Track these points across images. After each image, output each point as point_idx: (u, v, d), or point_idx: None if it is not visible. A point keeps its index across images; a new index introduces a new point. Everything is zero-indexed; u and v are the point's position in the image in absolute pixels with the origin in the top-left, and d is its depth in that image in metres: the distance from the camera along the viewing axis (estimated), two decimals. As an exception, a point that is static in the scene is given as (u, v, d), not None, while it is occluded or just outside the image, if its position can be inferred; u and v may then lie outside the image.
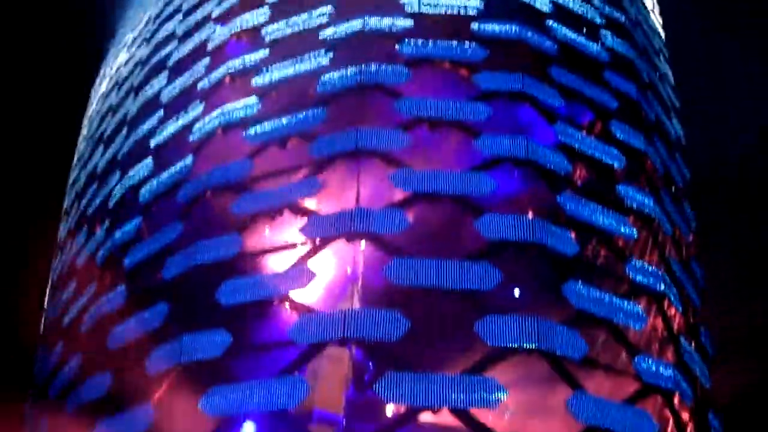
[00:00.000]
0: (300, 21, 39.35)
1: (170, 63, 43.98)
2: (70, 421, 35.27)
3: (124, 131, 43.98)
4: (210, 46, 41.97)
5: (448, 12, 38.37)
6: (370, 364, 33.68)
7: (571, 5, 41.44)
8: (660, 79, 45.61)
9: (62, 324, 40.05)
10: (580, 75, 38.11)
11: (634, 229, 35.09)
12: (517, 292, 32.85)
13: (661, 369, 32.05)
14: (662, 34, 50.90)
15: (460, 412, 29.23)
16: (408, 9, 38.08)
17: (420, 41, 37.16)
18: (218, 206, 35.42)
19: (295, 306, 31.93)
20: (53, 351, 39.91)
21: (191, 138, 38.48)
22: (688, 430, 32.75)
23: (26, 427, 40.76)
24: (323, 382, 33.37)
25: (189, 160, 37.65)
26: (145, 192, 38.78)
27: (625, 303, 32.57)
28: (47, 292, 46.26)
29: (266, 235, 35.38)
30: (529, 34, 38.22)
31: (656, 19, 51.17)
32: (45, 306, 45.53)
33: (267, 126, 36.16)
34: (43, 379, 40.24)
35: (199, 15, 44.78)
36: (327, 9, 38.91)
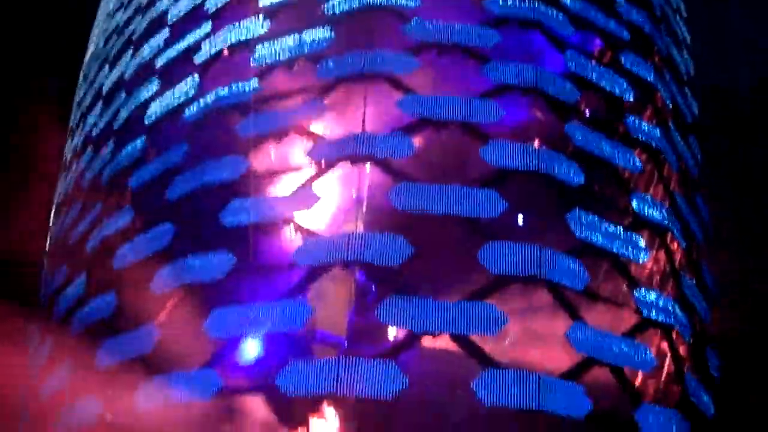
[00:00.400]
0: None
1: (177, -18, 44.08)
2: (75, 340, 35.43)
3: (130, 51, 43.53)
4: (217, -33, 42.16)
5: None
6: (373, 287, 34.20)
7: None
8: (673, 13, 45.22)
9: (68, 243, 40.11)
10: (592, 4, 37.56)
11: (640, 162, 35.09)
12: (520, 219, 33.16)
13: (661, 303, 32.19)
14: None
15: (460, 338, 29.47)
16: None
17: (431, -35, 37.37)
18: (224, 127, 35.30)
19: (299, 228, 31.99)
20: (58, 270, 40.05)
21: (197, 59, 38.06)
22: (686, 365, 32.83)
23: (30, 346, 41.27)
24: (326, 304, 33.47)
25: (195, 80, 37.30)
26: (150, 113, 38.45)
27: (628, 235, 32.57)
28: (52, 211, 46.19)
29: (272, 157, 35.68)
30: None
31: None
32: (50, 225, 45.57)
33: (274, 47, 35.76)
34: (47, 299, 40.46)
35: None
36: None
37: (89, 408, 32.30)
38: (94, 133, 42.69)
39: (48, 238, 44.72)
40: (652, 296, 32.04)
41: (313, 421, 32.65)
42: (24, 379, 39.49)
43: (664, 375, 31.36)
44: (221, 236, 32.44)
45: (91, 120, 43.77)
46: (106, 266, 35.36)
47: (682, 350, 32.82)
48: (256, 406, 32.93)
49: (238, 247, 32.01)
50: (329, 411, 32.10)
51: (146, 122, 38.61)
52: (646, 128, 35.88)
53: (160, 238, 33.74)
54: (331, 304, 33.45)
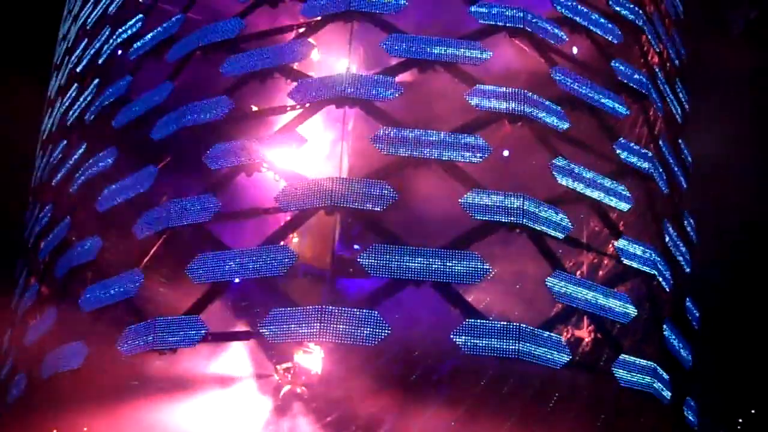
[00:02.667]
0: None
1: None
2: (60, 284, 35.64)
3: (113, -16, 43.37)
4: None
5: None
6: (356, 231, 34.43)
7: None
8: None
9: (52, 184, 39.85)
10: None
11: (626, 107, 34.62)
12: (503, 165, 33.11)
13: (643, 252, 32.14)
14: None
15: (442, 287, 29.63)
16: None
17: None
18: (208, 67, 34.87)
19: (282, 172, 31.92)
20: (43, 212, 39.88)
21: (181, -5, 38.00)
22: (666, 315, 33.06)
23: (16, 289, 41.35)
24: (310, 240, 33.89)
25: (179, 18, 36.56)
26: (134, 50, 37.91)
27: (612, 183, 32.37)
28: (37, 148, 45.98)
29: (256, 97, 35.70)
30: None
31: None
32: (35, 162, 45.31)
33: (259, -17, 35.60)
34: (32, 241, 40.41)
35: None
36: None
37: (75, 353, 32.53)
38: (78, 70, 42.08)
39: (33, 177, 44.58)
40: (634, 245, 31.99)
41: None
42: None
43: (643, 325, 31.86)
44: (204, 179, 32.32)
45: (75, 56, 43.05)
46: (89, 209, 35.10)
47: (662, 300, 33.09)
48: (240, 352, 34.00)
49: (221, 191, 31.87)
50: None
51: (130, 59, 38.04)
52: (633, 72, 35.38)
53: (144, 180, 33.43)
54: (315, 239, 33.89)
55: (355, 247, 34.36)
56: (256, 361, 33.64)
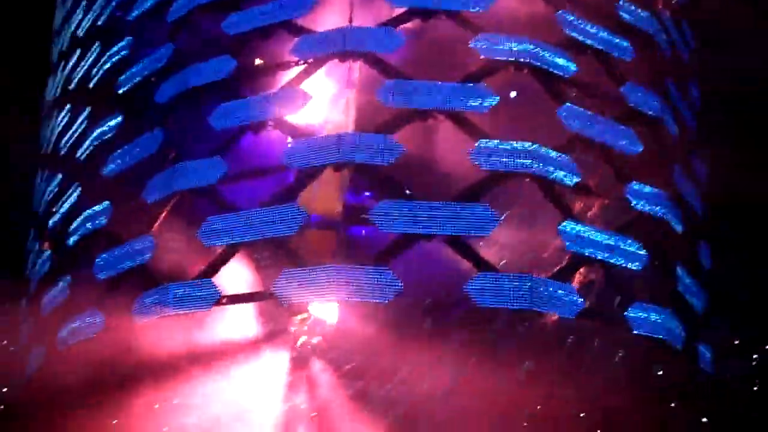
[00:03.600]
0: None
1: None
2: (72, 253, 35.49)
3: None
4: None
5: None
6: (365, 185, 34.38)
7: None
8: None
9: (59, 152, 39.46)
10: None
11: (633, 50, 34.05)
12: (510, 115, 32.75)
13: (653, 196, 31.93)
14: None
15: (453, 240, 29.52)
16: None
17: None
18: (209, 26, 34.70)
19: (288, 129, 31.67)
20: (53, 181, 39.39)
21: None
22: (678, 259, 32.76)
23: (28, 259, 41.35)
24: (320, 192, 33.73)
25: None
26: (134, 10, 37.35)
27: (620, 127, 32.24)
28: (42, 115, 45.51)
29: (259, 55, 35.42)
30: None
31: None
32: (40, 129, 44.87)
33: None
34: (43, 210, 40.12)
35: None
36: None
37: (90, 321, 32.57)
38: (79, 34, 41.48)
39: (39, 143, 44.46)
40: (644, 189, 31.79)
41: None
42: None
43: (655, 270, 31.67)
44: (211, 142, 32.13)
45: (75, 19, 42.34)
46: (98, 175, 35.07)
47: (674, 245, 32.85)
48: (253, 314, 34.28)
49: (227, 151, 31.77)
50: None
51: (130, 20, 37.56)
52: (638, 14, 34.90)
53: (151, 144, 33.32)
54: (326, 191, 33.59)
55: (366, 194, 34.91)
56: (272, 312, 34.14)
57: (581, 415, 36.26)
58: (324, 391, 37.37)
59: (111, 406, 34.23)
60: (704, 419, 36.33)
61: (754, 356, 39.51)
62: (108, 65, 37.74)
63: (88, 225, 34.34)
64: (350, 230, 34.81)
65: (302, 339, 35.62)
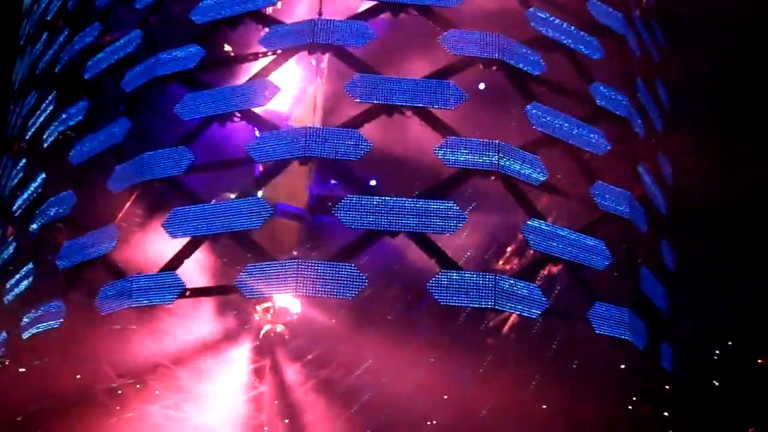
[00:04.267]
0: None
1: None
2: (36, 240, 35.20)
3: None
4: None
5: None
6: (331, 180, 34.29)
7: None
8: None
9: (25, 137, 39.20)
10: None
11: (602, 47, 33.94)
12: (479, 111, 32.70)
13: (618, 195, 31.70)
14: None
15: (418, 237, 29.38)
16: None
17: None
18: (178, 14, 34.44)
19: (255, 120, 31.57)
20: (17, 165, 39.23)
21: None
22: (641, 258, 32.93)
23: None
24: (286, 181, 33.65)
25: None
26: (102, -4, 37.89)
27: (587, 127, 32.11)
28: (9, 99, 44.94)
29: (227, 45, 35.13)
30: None
31: None
32: (8, 113, 44.32)
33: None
34: (7, 196, 39.80)
35: None
36: None
37: (52, 311, 32.49)
38: (48, 17, 41.07)
39: (6, 127, 43.93)
40: (610, 188, 31.80)
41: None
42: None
43: (618, 271, 31.78)
44: (177, 129, 31.94)
45: (44, 2, 41.98)
46: (64, 162, 34.73)
47: (637, 245, 32.99)
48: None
49: (193, 142, 31.43)
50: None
51: (99, 6, 37.22)
52: (608, 12, 34.77)
53: (117, 133, 33.02)
54: (292, 181, 33.65)
55: (332, 182, 34.73)
56: (235, 302, 34.06)
57: (543, 407, 37.06)
58: (287, 381, 37.61)
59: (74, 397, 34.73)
60: (666, 413, 36.91)
61: (716, 352, 40.20)
62: (75, 50, 37.17)
63: (52, 212, 33.98)
64: (316, 219, 35.08)
65: (266, 328, 35.81)
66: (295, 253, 32.32)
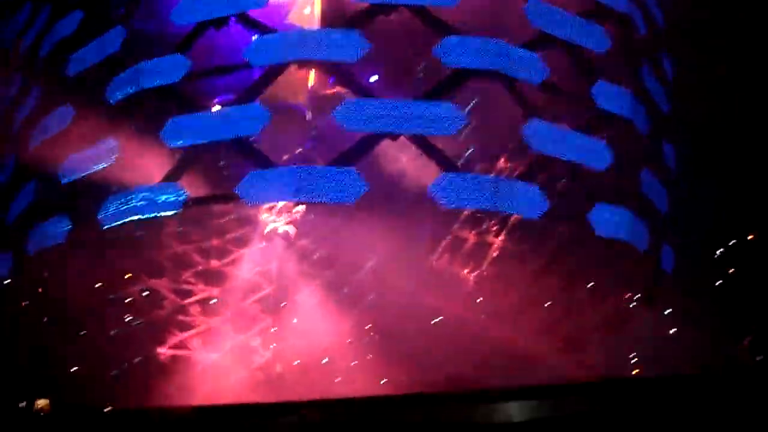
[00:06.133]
0: None
1: None
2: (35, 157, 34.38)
3: None
4: None
5: None
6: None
7: None
8: None
9: (19, 51, 37.56)
10: None
11: None
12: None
13: (619, 95, 31.39)
14: None
15: (418, 139, 29.25)
16: None
17: None
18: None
19: (251, 24, 30.67)
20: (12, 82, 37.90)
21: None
22: (642, 160, 32.52)
23: None
24: (285, 83, 33.36)
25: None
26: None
27: (587, 23, 31.39)
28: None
29: None
30: None
31: None
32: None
33: None
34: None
35: None
36: None
37: (58, 225, 32.28)
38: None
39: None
40: (610, 88, 31.21)
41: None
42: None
43: (619, 172, 31.27)
44: (174, 37, 31.51)
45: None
46: (58, 75, 33.49)
47: (638, 144, 32.53)
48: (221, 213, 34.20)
49: (191, 48, 30.76)
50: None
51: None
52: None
53: (112, 41, 31.69)
54: (291, 82, 33.44)
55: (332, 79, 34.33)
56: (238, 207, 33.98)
57: (546, 305, 37.48)
58: (293, 281, 37.96)
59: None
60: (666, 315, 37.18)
61: (717, 252, 40.35)
62: (57, 40, 34.73)
63: (50, 128, 33.32)
64: (316, 120, 34.82)
65: (270, 227, 35.92)
66: (296, 153, 32.46)
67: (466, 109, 31.14)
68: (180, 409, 30.52)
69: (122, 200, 30.47)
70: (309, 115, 34.81)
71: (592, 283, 34.87)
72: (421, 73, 32.23)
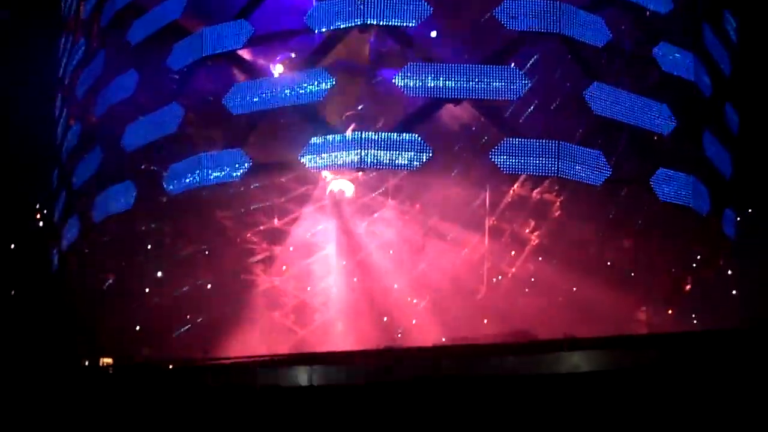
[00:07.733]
0: None
1: None
2: (100, 124, 35.12)
3: None
4: None
5: None
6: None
7: None
8: None
9: (81, 17, 38.37)
10: None
11: None
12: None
13: (681, 58, 31.23)
14: None
15: (481, 104, 29.57)
16: None
17: None
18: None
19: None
20: (77, 46, 38.47)
21: None
22: (705, 122, 32.31)
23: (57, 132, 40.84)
24: (346, 47, 33.30)
25: None
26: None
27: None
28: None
29: None
30: None
31: None
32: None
33: None
34: (68, 80, 39.07)
35: None
36: None
37: (121, 196, 32.95)
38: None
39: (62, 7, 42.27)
40: (673, 50, 31.10)
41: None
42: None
43: (682, 136, 31.19)
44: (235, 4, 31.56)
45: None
46: (122, 41, 33.85)
47: (701, 108, 32.26)
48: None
49: (251, 15, 30.82)
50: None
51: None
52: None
53: (174, 9, 31.97)
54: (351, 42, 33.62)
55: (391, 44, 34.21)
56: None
57: (608, 264, 37.47)
58: (354, 239, 38.24)
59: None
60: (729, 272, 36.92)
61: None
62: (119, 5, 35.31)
63: (115, 95, 33.83)
64: (378, 74, 34.85)
65: (330, 187, 36.15)
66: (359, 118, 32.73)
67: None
68: (240, 362, 31.31)
69: (187, 167, 31.30)
70: (371, 80, 35.30)
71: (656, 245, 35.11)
72: (483, 37, 32.31)
